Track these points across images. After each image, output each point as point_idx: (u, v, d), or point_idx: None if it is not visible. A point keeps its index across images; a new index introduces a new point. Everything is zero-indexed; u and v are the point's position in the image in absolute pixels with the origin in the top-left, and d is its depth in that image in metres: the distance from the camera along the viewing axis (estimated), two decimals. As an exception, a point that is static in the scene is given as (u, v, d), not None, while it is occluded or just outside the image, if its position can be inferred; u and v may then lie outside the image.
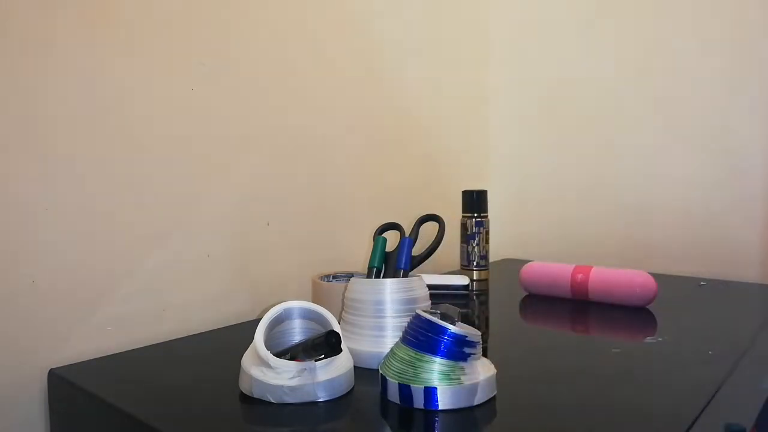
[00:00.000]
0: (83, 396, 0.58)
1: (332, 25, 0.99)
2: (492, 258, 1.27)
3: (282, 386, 0.52)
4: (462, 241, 1.07)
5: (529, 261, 1.16)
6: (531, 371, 0.62)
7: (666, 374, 0.59)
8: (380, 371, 0.55)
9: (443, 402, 0.50)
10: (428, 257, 0.73)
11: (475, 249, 1.05)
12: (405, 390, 0.51)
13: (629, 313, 0.83)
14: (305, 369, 0.53)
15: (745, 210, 1.08)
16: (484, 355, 0.57)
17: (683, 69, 1.13)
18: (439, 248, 0.72)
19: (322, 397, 0.53)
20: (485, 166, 1.42)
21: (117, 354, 0.69)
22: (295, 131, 0.94)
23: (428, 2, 1.21)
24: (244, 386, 0.55)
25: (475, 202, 1.06)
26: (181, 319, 0.79)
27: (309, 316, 0.60)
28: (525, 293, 0.98)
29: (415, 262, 0.72)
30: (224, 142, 0.84)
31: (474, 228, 1.06)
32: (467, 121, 1.36)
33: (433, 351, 0.51)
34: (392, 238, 0.74)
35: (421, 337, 0.52)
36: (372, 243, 0.74)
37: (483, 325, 0.80)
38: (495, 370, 0.55)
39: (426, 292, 0.66)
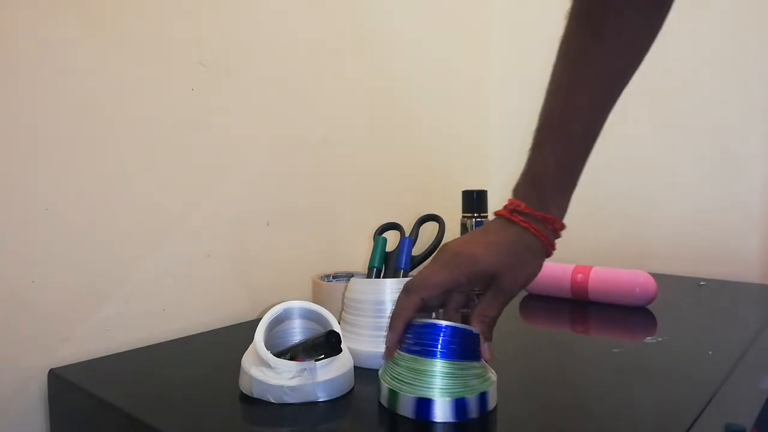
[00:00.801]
0: (83, 396, 0.58)
1: (332, 25, 0.99)
2: (492, 258, 1.26)
3: (282, 386, 0.52)
4: (462, 241, 1.07)
5: (529, 261, 1.16)
6: (531, 371, 0.62)
7: (666, 374, 0.59)
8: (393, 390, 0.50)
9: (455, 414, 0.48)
10: (428, 257, 0.73)
11: (475, 249, 1.05)
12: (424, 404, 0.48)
13: (629, 313, 0.83)
14: (305, 369, 0.53)
15: (745, 210, 1.07)
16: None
17: (683, 69, 1.13)
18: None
19: (322, 397, 0.53)
20: (485, 166, 1.42)
21: (117, 354, 0.69)
22: (295, 131, 0.94)
23: (429, 2, 1.21)
24: (244, 386, 0.55)
25: (475, 202, 1.06)
26: (181, 319, 0.79)
27: (309, 316, 0.60)
28: (525, 293, 0.98)
29: (415, 262, 0.72)
30: (224, 142, 0.84)
31: (474, 228, 1.05)
32: (467, 121, 1.36)
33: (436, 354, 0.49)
34: (392, 238, 0.74)
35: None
36: (372, 243, 0.74)
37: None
38: (495, 378, 0.52)
39: (426, 292, 0.66)
